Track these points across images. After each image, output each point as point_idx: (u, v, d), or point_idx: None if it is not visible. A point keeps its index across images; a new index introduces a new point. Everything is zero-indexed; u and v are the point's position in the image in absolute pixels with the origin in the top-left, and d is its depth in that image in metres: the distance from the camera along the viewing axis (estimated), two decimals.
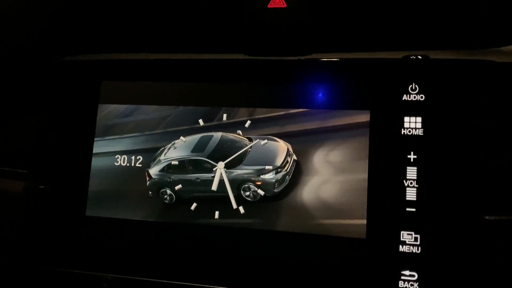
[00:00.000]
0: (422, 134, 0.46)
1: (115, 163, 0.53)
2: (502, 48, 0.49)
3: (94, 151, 0.54)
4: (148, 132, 0.53)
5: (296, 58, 0.52)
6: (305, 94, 0.50)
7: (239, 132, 0.51)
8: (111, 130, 0.54)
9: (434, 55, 0.48)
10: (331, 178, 0.47)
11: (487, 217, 0.44)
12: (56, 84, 0.58)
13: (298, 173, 0.48)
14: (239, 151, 0.50)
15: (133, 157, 0.53)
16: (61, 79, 0.58)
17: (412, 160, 0.46)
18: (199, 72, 0.53)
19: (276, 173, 0.49)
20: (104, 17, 0.56)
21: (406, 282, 0.44)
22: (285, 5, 0.53)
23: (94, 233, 0.52)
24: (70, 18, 0.57)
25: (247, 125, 0.51)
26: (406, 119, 0.47)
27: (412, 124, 0.46)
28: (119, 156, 0.53)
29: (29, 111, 0.59)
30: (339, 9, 0.52)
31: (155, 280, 0.49)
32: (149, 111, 0.53)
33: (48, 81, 0.58)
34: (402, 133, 0.46)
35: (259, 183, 0.49)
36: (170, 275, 0.49)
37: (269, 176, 0.49)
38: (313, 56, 0.52)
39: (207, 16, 0.55)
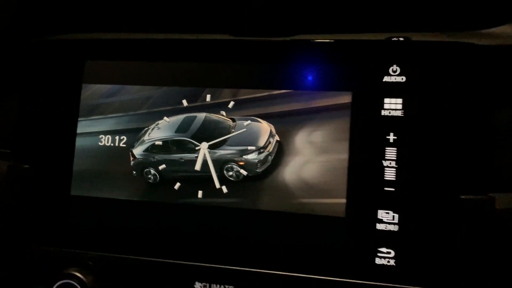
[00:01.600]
0: (402, 115, 0.47)
1: (99, 143, 0.53)
2: (484, 30, 0.49)
3: (78, 131, 0.54)
4: (132, 113, 0.53)
5: (280, 39, 0.52)
6: (288, 76, 0.50)
7: (223, 112, 0.51)
8: (95, 110, 0.54)
9: (417, 37, 0.49)
10: (313, 158, 0.48)
11: (463, 197, 0.45)
12: (40, 63, 0.57)
13: (280, 153, 0.49)
14: (222, 131, 0.51)
15: (117, 137, 0.53)
16: (45, 58, 0.57)
17: (391, 141, 0.47)
18: (183, 52, 0.53)
19: (259, 153, 0.50)
20: None
21: (383, 259, 0.45)
22: None
23: (79, 212, 0.53)
24: None
25: (230, 105, 0.51)
26: (387, 100, 0.47)
27: (393, 105, 0.47)
28: (103, 136, 0.53)
29: (13, 91, 0.59)
30: None
31: (139, 258, 0.50)
32: (133, 91, 0.53)
33: (32, 61, 0.57)
34: (382, 114, 0.47)
35: (242, 163, 0.50)
36: (154, 253, 0.50)
37: (252, 157, 0.50)
38: (297, 37, 0.52)
39: None
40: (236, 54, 0.52)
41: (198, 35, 0.55)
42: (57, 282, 0.49)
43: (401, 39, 0.48)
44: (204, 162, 0.51)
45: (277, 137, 0.49)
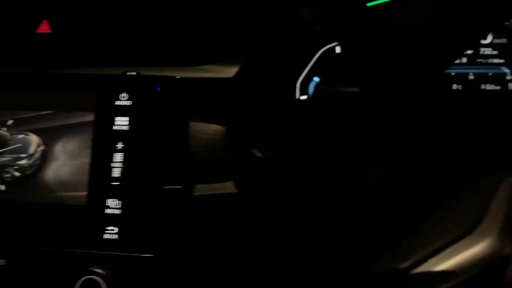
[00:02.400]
0: (128, 129, 0.64)
1: None
2: (199, 67, 0.68)
3: None
4: None
5: (59, 72, 0.69)
6: (51, 100, 0.66)
7: (4, 129, 0.67)
8: None
9: (147, 71, 0.66)
10: (67, 162, 0.64)
11: (165, 187, 0.62)
12: None
13: (45, 159, 0.65)
14: (2, 144, 0.66)
15: None
16: None
17: (119, 148, 0.63)
18: None
19: (29, 159, 0.65)
20: None
21: (109, 234, 0.62)
22: (50, 31, 0.70)
23: None
24: None
25: (9, 123, 0.66)
26: (118, 118, 0.64)
27: (122, 122, 0.64)
28: None
29: None
30: (90, 39, 0.70)
31: None
32: None
33: None
34: (114, 128, 0.64)
35: (16, 167, 0.65)
36: None
37: (23, 162, 0.65)
38: (69, 71, 0.69)
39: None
40: (15, 84, 0.68)
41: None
42: None
43: (134, 73, 0.65)
44: None
45: (42, 147, 0.65)
